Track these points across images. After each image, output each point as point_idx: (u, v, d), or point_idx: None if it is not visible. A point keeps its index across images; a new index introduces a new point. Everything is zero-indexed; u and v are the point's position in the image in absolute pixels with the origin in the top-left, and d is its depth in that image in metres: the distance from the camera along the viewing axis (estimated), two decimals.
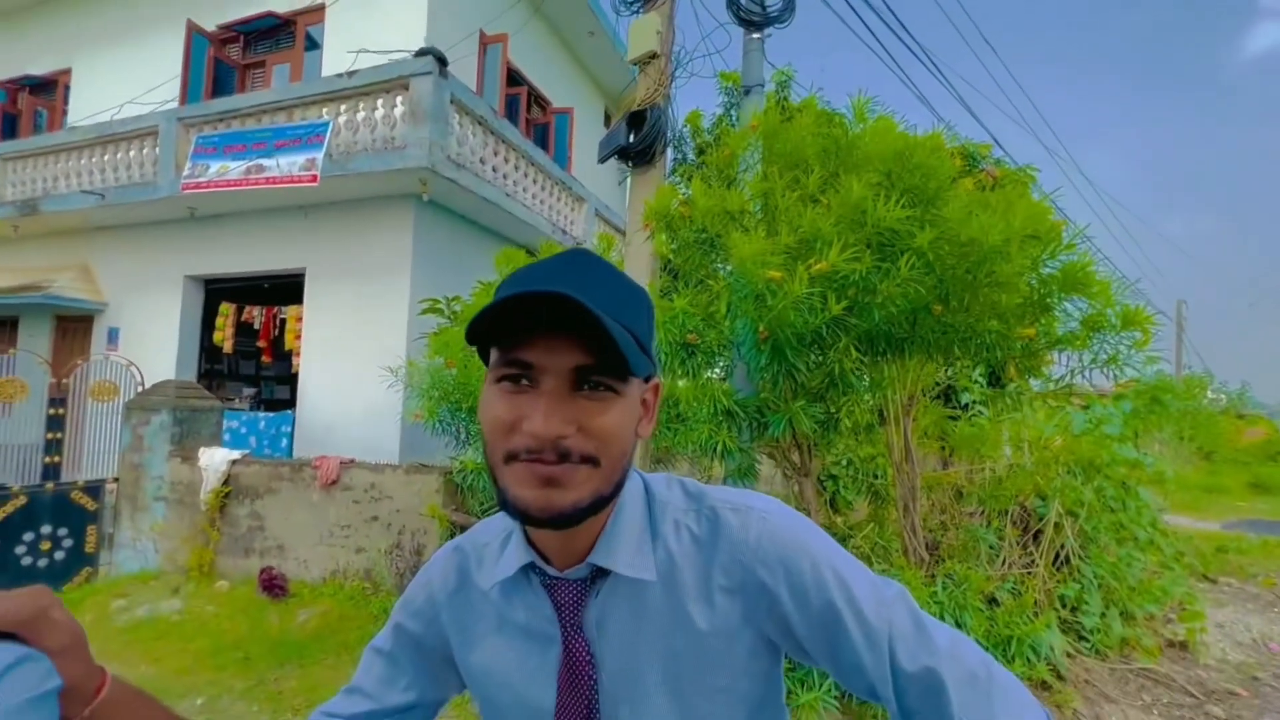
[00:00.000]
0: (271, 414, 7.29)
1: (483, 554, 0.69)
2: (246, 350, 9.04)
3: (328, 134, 6.08)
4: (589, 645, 0.61)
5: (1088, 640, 3.43)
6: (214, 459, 5.07)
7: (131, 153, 7.27)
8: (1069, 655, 3.27)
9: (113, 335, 7.92)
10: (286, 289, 7.52)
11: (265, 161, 6.25)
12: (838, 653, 0.58)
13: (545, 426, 0.52)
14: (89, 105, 8.41)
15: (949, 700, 0.56)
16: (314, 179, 5.97)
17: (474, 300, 3.96)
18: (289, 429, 6.95)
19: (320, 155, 6.03)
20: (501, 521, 0.69)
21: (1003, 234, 2.36)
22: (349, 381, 6.43)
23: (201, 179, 6.47)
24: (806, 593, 0.58)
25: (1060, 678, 3.15)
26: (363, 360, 6.17)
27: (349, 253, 6.69)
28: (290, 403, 7.80)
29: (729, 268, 2.82)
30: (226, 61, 7.96)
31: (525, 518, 0.55)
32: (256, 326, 8.05)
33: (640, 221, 3.49)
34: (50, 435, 5.77)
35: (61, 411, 5.80)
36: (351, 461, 4.81)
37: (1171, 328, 22.70)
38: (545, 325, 0.53)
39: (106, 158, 7.40)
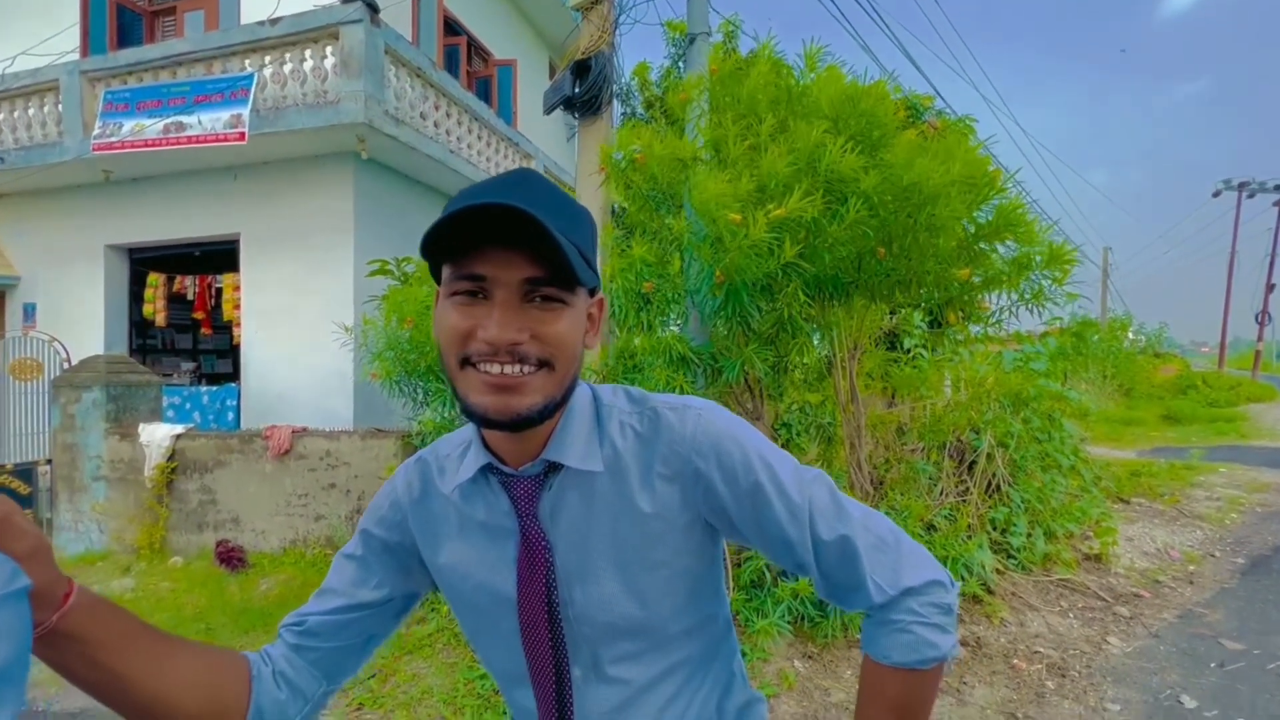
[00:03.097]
0: (214, 388, 7.01)
1: (444, 464, 0.73)
2: (182, 324, 8.60)
3: (253, 87, 5.70)
4: (544, 533, 0.67)
5: (1015, 558, 3.75)
6: (156, 435, 4.88)
7: (30, 110, 6.65)
8: (998, 571, 3.58)
9: (29, 311, 7.39)
10: (220, 256, 7.13)
11: (185, 118, 5.84)
12: (765, 527, 0.65)
13: (500, 333, 0.56)
14: None
15: (861, 562, 0.64)
16: (242, 137, 5.62)
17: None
18: (234, 402, 6.72)
19: (246, 111, 5.66)
20: (459, 435, 0.74)
21: (943, 179, 2.47)
22: (295, 350, 6.23)
23: (114, 139, 6.00)
24: (736, 475, 0.65)
25: (990, 592, 3.45)
26: (308, 327, 5.97)
27: (286, 216, 6.37)
28: (233, 376, 7.50)
29: (680, 224, 2.84)
30: (131, 8, 7.30)
31: (484, 421, 0.59)
32: (190, 297, 7.63)
33: (589, 173, 3.46)
34: None
35: None
36: (304, 430, 4.71)
37: (1098, 273, 24.02)
38: (496, 239, 0.56)
39: (2, 116, 6.75)
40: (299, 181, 6.33)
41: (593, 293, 0.66)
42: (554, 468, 0.66)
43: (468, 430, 0.72)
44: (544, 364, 0.59)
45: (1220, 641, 3.15)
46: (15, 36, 7.37)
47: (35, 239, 7.29)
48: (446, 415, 3.66)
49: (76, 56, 6.82)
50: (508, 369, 0.57)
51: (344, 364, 5.60)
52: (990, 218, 2.80)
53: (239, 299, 6.73)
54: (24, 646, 0.43)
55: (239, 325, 6.75)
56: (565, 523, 0.67)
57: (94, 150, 6.00)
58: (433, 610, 3.47)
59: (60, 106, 6.43)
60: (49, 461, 5.17)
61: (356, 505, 4.46)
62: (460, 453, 0.71)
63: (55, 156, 6.40)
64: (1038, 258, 2.75)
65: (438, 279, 0.62)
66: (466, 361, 0.59)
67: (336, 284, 6.13)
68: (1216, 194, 22.98)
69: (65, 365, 5.90)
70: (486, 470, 0.68)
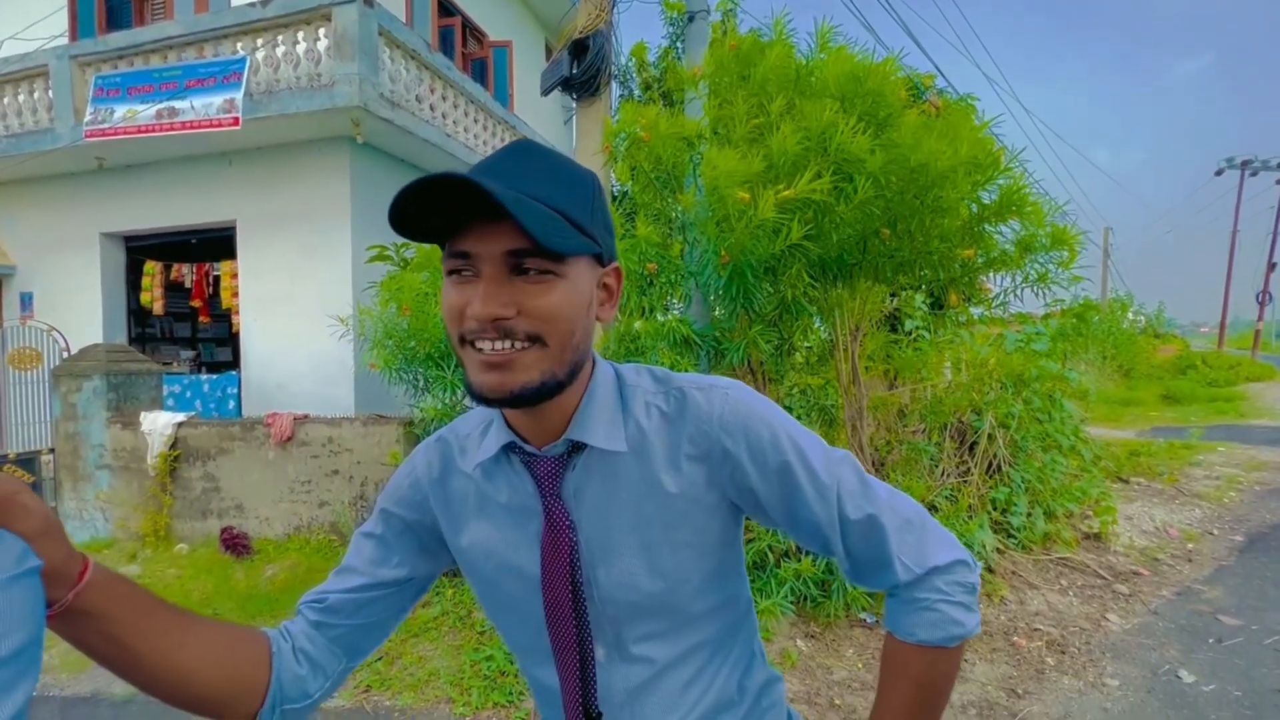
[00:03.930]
0: (215, 376, 7.00)
1: (465, 443, 0.73)
2: (180, 312, 8.56)
3: (245, 71, 5.62)
4: (568, 513, 0.67)
5: (1015, 537, 3.78)
6: (157, 423, 4.87)
7: (20, 96, 6.55)
8: (999, 551, 3.61)
9: (26, 300, 7.35)
10: (217, 244, 7.08)
11: (178, 103, 5.76)
12: (793, 507, 0.65)
13: (484, 309, 0.55)
14: None
15: (888, 541, 0.64)
16: (235, 122, 5.55)
17: (431, 248, 3.84)
18: (235, 390, 6.71)
19: (239, 95, 5.59)
20: (479, 414, 0.73)
21: (950, 160, 2.44)
22: (295, 337, 6.21)
23: (106, 125, 5.93)
24: (765, 454, 0.64)
25: (991, 571, 3.48)
26: (307, 315, 5.94)
27: (282, 202, 6.31)
28: (233, 364, 7.49)
29: (689, 200, 2.82)
30: None
31: (482, 398, 0.59)
32: (188, 285, 7.59)
33: (589, 154, 3.42)
34: None
35: None
36: (306, 417, 4.71)
37: (1099, 254, 23.93)
38: (476, 214, 0.55)
39: None
40: (294, 167, 6.27)
41: (605, 262, 0.65)
42: (577, 447, 0.66)
43: (489, 409, 0.71)
44: (535, 339, 0.57)
45: (1218, 617, 3.18)
46: (1, 20, 7.24)
47: (30, 227, 7.24)
48: (448, 402, 3.66)
49: (65, 41, 6.71)
50: (498, 345, 0.57)
51: (343, 351, 5.59)
52: (995, 198, 2.78)
53: (237, 286, 6.70)
54: (37, 627, 0.43)
55: (237, 313, 6.73)
56: (589, 503, 0.67)
57: (86, 137, 5.93)
58: (437, 595, 3.50)
59: (51, 92, 6.34)
60: (51, 451, 5.18)
61: (360, 492, 4.48)
62: (481, 431, 0.71)
63: (48, 143, 6.32)
64: (1042, 239, 2.73)
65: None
66: (464, 340, 0.58)
67: (334, 271, 6.10)
68: (1219, 172, 22.82)
69: (64, 354, 5.88)
70: (508, 449, 0.67)
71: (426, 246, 3.84)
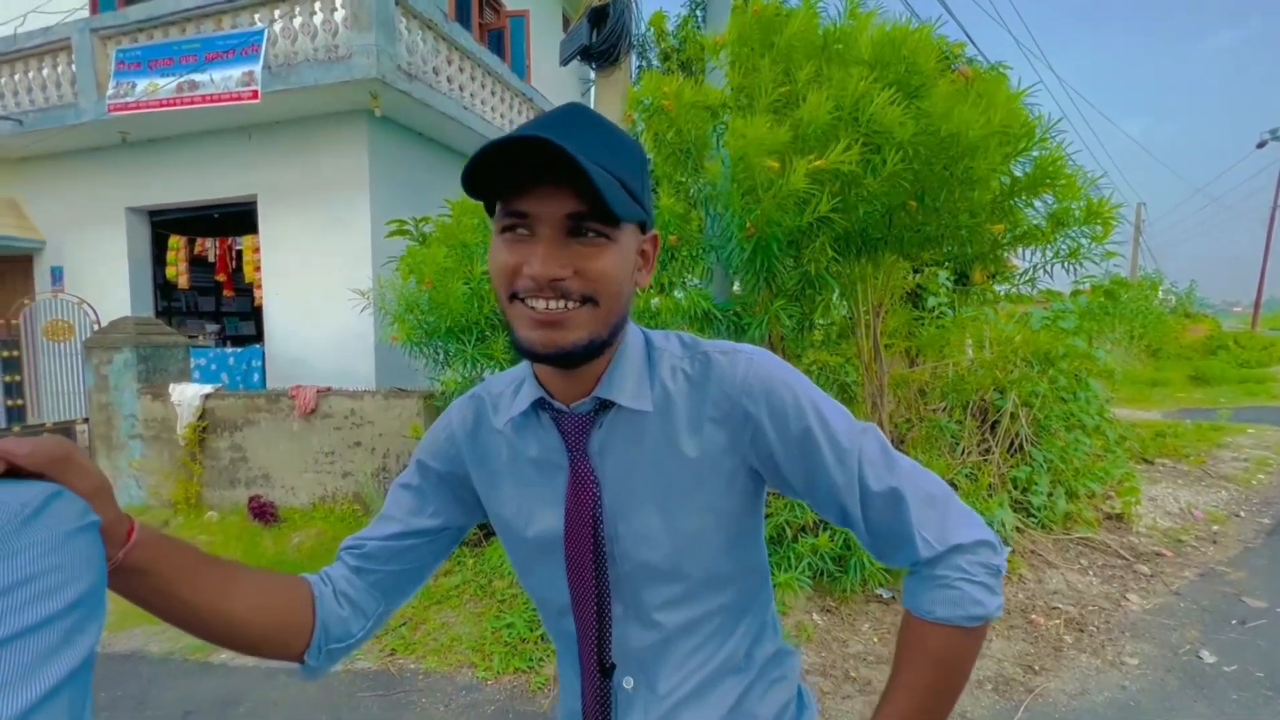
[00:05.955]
0: (239, 349, 7.13)
1: (497, 401, 0.75)
2: (204, 286, 8.70)
3: (263, 43, 5.60)
4: (593, 470, 0.68)
5: (1035, 516, 3.75)
6: (186, 394, 4.99)
7: (44, 70, 6.60)
8: (1018, 530, 3.59)
9: (56, 275, 7.51)
10: (239, 218, 7.15)
11: (198, 77, 5.77)
12: (813, 474, 0.65)
13: (543, 268, 0.57)
14: None
15: (909, 516, 0.63)
16: (254, 95, 5.56)
17: (453, 218, 3.83)
18: (259, 363, 6.84)
19: (258, 68, 5.58)
20: (512, 373, 0.76)
21: (982, 129, 2.36)
22: (316, 312, 6.28)
23: (128, 99, 5.96)
24: (786, 420, 0.64)
25: (1009, 549, 3.46)
26: (328, 289, 6.00)
27: (302, 176, 6.34)
28: (256, 337, 7.61)
29: (715, 169, 2.77)
30: None
31: (531, 354, 0.61)
32: (211, 259, 7.70)
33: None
34: (8, 378, 5.59)
35: (16, 353, 5.59)
36: (328, 390, 4.79)
37: (1130, 230, 23.24)
38: (539, 176, 0.56)
39: (17, 77, 6.72)
40: (314, 140, 6.27)
41: (644, 229, 0.66)
42: (605, 406, 0.67)
43: (520, 369, 0.74)
44: (587, 300, 0.59)
45: (1242, 599, 3.14)
46: None
47: (58, 202, 7.36)
48: (468, 375, 3.69)
49: (86, 14, 6.73)
50: (552, 304, 0.58)
51: (364, 325, 5.65)
52: (1028, 171, 2.69)
53: (259, 261, 6.78)
54: (100, 575, 0.46)
55: (260, 287, 6.82)
56: (613, 460, 0.68)
57: (109, 111, 5.97)
58: (458, 564, 3.58)
59: (74, 66, 6.38)
60: (85, 420, 5.34)
61: (381, 464, 4.56)
62: (513, 389, 0.73)
63: (72, 118, 6.39)
64: (1076, 212, 2.65)
65: (493, 215, 0.63)
66: (515, 297, 0.60)
67: (354, 244, 6.14)
68: (1261, 144, 21.94)
69: (95, 327, 6.02)
70: (539, 406, 0.69)
71: (446, 221, 3.83)
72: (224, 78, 5.69)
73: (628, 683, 0.71)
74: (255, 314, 7.56)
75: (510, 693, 2.56)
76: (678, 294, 3.63)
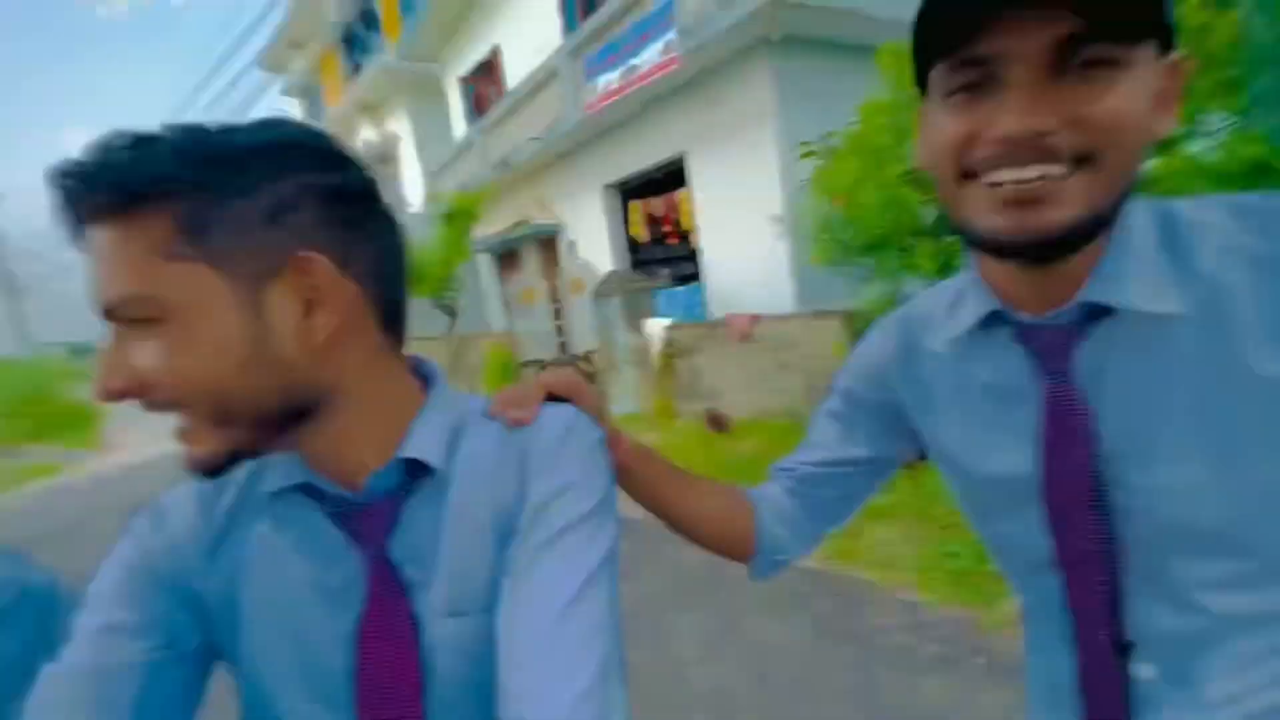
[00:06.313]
0: (684, 287, 8.50)
1: (928, 321, 0.64)
2: (656, 237, 10.60)
3: (673, 10, 6.20)
4: (1083, 398, 0.51)
5: None
6: (654, 328, 6.27)
7: (544, 94, 8.93)
8: None
9: (571, 246, 10.33)
10: (675, 175, 8.37)
11: (635, 60, 6.84)
12: None
13: (1020, 122, 0.42)
14: (519, 71, 10.61)
15: None
16: (674, 61, 6.26)
17: (861, 122, 3.56)
18: (699, 297, 8.02)
19: (673, 35, 6.23)
20: (944, 289, 0.63)
21: None
22: (740, 244, 6.90)
23: (592, 99, 7.54)
24: None
25: None
26: (749, 222, 6.49)
27: (717, 122, 6.91)
28: (696, 276, 8.93)
29: None
30: None
31: (997, 248, 0.46)
32: (659, 216, 9.30)
33: None
34: (556, 323, 8.08)
35: (558, 304, 8.01)
36: (758, 317, 5.26)
37: None
38: (1005, 4, 0.41)
39: (535, 107, 9.31)
40: (721, 82, 6.72)
41: (1165, 49, 0.44)
42: (1096, 313, 0.50)
43: (954, 283, 0.60)
44: (1084, 159, 0.42)
45: None
46: (536, 40, 9.90)
47: (562, 192, 10.00)
48: (890, 291, 3.49)
49: (559, 41, 8.72)
50: (1028, 172, 0.43)
51: (780, 251, 5.92)
52: None
53: (692, 210, 7.83)
54: (612, 475, 0.60)
55: (694, 232, 7.89)
56: (1118, 386, 0.50)
57: (586, 110, 7.68)
58: (892, 485, 3.51)
59: (559, 85, 8.42)
60: (595, 351, 7.32)
61: (808, 383, 4.81)
62: (949, 304, 0.60)
63: (565, 126, 8.49)
64: None
65: (924, 91, 0.51)
66: (967, 175, 0.46)
67: (766, 174, 6.42)
68: None
69: (595, 282, 8.12)
70: (993, 320, 0.55)
71: (854, 130, 3.59)
72: (651, 54, 6.60)
73: (1146, 672, 0.53)
74: (692, 256, 8.83)
75: (957, 627, 2.40)
76: (1190, 146, 2.59)
